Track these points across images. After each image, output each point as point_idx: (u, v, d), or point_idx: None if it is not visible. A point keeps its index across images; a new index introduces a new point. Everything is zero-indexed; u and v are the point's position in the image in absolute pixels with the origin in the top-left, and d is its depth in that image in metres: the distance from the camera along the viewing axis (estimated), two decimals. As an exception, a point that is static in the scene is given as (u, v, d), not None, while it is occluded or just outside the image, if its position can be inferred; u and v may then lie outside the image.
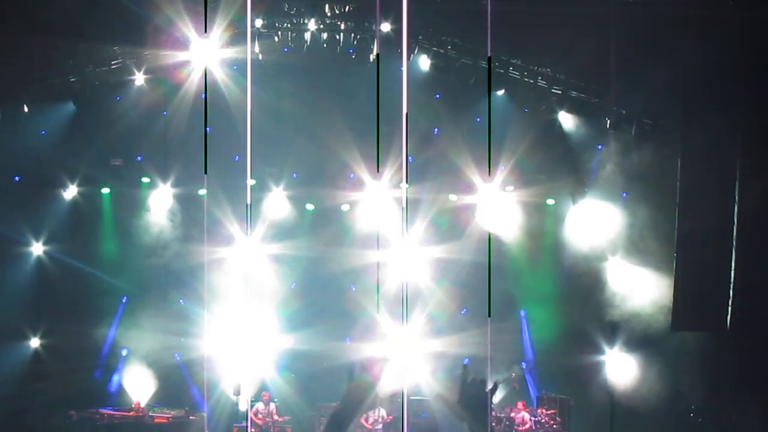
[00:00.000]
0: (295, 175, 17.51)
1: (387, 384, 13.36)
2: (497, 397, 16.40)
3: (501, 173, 16.98)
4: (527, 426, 15.74)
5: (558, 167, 17.05)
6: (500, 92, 16.43)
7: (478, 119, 16.73)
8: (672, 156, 15.54)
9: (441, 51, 16.02)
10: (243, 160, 16.99)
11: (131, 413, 16.18)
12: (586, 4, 14.90)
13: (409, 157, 17.11)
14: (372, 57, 15.88)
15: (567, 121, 16.74)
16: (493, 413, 15.24)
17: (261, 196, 17.40)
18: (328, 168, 17.24)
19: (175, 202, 17.39)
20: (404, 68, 15.17)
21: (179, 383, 17.15)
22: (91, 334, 17.24)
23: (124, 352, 17.45)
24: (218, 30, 14.56)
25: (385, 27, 15.12)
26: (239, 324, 17.52)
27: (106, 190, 17.45)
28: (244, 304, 17.45)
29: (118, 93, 16.40)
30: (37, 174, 16.91)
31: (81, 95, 16.24)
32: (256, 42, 15.44)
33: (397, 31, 15.01)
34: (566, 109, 16.53)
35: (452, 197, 17.44)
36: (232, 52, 15.13)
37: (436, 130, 17.28)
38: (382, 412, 15.56)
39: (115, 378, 17.48)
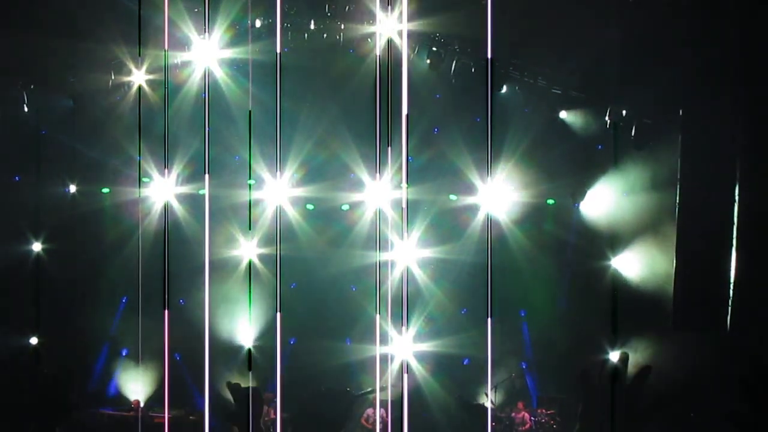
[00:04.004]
0: (295, 175, 17.51)
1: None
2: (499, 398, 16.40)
3: (501, 173, 16.99)
4: (527, 426, 15.75)
5: (558, 167, 17.05)
6: (500, 92, 16.43)
7: (478, 119, 16.74)
8: (672, 156, 15.54)
9: (441, 51, 16.02)
10: (243, 159, 17.09)
11: (131, 413, 16.19)
12: (586, 3, 14.90)
13: (409, 158, 17.10)
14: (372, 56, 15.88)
15: (567, 121, 16.74)
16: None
17: (261, 196, 17.39)
18: (328, 168, 17.25)
19: (175, 201, 17.39)
20: (404, 68, 15.18)
21: (179, 383, 17.14)
22: (90, 334, 17.25)
23: (124, 352, 17.45)
24: (219, 30, 14.57)
25: (386, 27, 15.10)
26: (239, 324, 17.54)
27: (106, 190, 17.48)
28: (244, 304, 17.46)
29: (118, 93, 16.40)
30: (37, 174, 16.91)
31: (81, 95, 16.24)
32: (258, 41, 15.45)
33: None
34: (566, 108, 16.53)
35: (452, 197, 17.45)
36: (232, 53, 15.14)
37: (436, 130, 17.29)
38: (382, 412, 15.57)
39: (115, 378, 17.49)
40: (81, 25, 14.90)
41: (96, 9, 14.83)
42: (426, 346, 16.81)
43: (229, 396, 6.20)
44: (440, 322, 17.18)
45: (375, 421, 15.57)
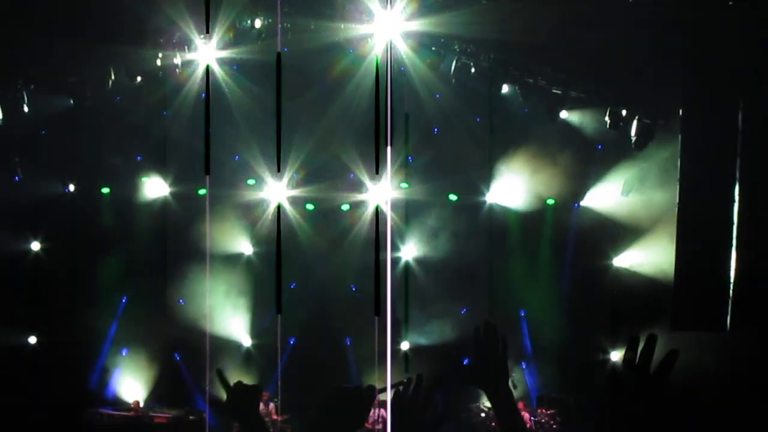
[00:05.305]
0: (294, 175, 17.53)
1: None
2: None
3: (501, 173, 17.01)
4: (527, 426, 15.75)
5: (558, 167, 17.06)
6: (500, 92, 16.44)
7: (478, 119, 16.76)
8: (672, 156, 15.55)
9: (442, 51, 16.02)
10: (243, 159, 17.10)
11: (131, 413, 16.19)
12: (586, 3, 14.89)
13: (409, 157, 17.13)
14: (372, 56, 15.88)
15: (567, 121, 16.74)
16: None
17: (261, 196, 17.41)
18: (328, 168, 17.26)
19: (175, 201, 17.40)
20: (404, 68, 15.20)
21: (179, 383, 17.16)
22: (90, 334, 17.25)
23: (124, 352, 17.46)
24: (219, 30, 14.57)
25: (386, 27, 15.10)
26: (239, 324, 17.55)
27: (106, 190, 17.49)
28: (244, 303, 17.48)
29: (118, 93, 16.38)
30: (36, 174, 16.91)
31: (80, 95, 16.21)
32: (258, 42, 15.45)
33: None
34: (566, 108, 16.53)
35: (452, 197, 17.46)
36: (232, 53, 15.14)
37: (436, 130, 17.30)
38: (382, 412, 15.57)
39: (115, 378, 17.49)
40: (81, 24, 14.87)
41: (96, 8, 14.81)
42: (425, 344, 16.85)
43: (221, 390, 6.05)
44: (440, 322, 17.19)
45: (375, 420, 15.55)
